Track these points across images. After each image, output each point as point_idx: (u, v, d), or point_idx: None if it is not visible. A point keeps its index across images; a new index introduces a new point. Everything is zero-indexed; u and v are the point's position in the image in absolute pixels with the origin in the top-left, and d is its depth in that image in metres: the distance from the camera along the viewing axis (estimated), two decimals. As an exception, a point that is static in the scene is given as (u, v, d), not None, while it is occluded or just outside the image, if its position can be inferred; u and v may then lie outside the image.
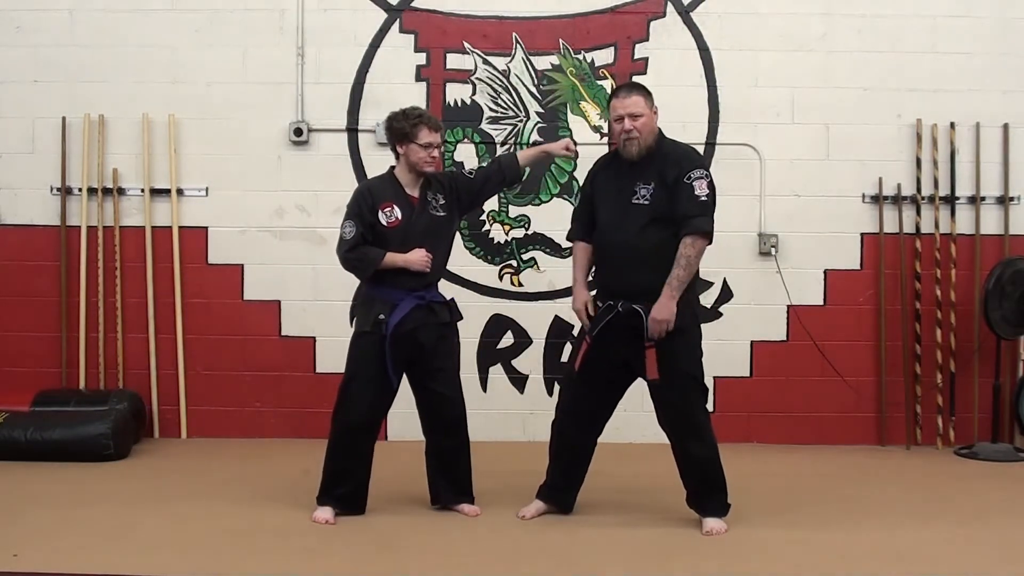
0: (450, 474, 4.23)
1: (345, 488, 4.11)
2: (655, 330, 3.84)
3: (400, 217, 4.08)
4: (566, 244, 5.58)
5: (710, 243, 3.93)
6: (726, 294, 5.59)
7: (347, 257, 4.07)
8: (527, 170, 5.36)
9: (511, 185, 4.71)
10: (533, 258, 5.64)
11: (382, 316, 4.03)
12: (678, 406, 3.98)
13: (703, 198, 3.86)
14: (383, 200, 4.09)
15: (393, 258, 4.03)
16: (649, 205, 3.89)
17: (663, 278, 3.85)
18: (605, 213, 4.03)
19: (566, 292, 5.43)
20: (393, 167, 4.22)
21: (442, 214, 4.18)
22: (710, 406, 5.39)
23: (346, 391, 4.12)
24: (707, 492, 4.02)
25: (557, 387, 5.59)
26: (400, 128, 4.10)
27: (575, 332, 4.32)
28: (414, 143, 4.08)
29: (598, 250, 4.09)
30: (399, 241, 4.06)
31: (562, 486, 4.19)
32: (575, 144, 4.41)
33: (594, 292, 4.15)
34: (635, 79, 5.53)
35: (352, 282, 4.18)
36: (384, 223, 4.06)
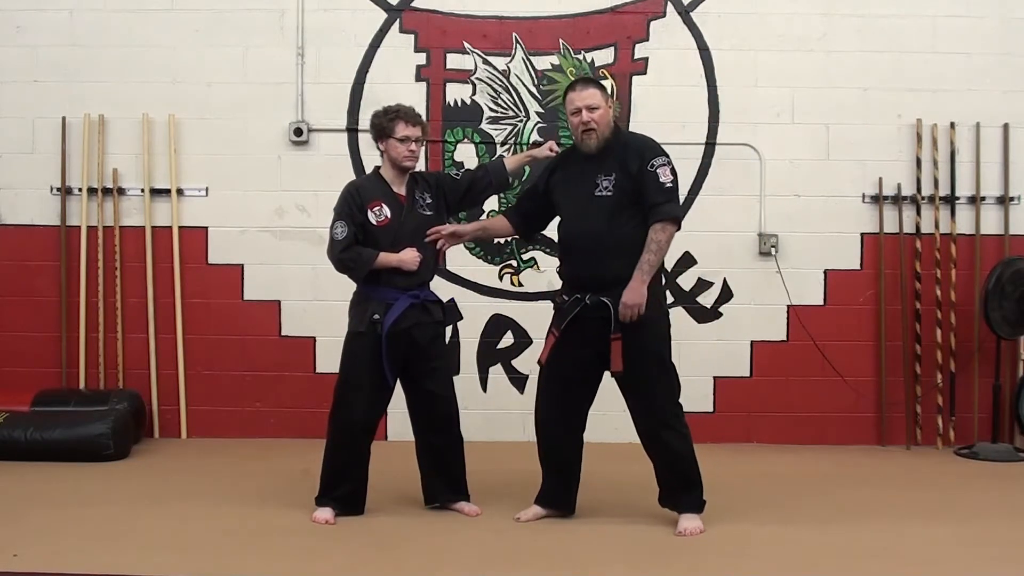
0: (444, 472, 4.23)
1: (344, 488, 4.11)
2: (625, 315, 3.82)
3: (389, 216, 4.08)
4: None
5: (679, 228, 3.95)
6: (726, 294, 5.59)
7: (341, 258, 4.05)
8: (527, 170, 5.41)
9: (499, 191, 4.71)
10: (533, 258, 5.64)
11: (376, 316, 4.02)
12: (647, 396, 3.95)
13: (668, 184, 3.89)
14: (371, 199, 4.09)
15: (387, 258, 4.03)
16: (612, 196, 3.91)
17: (630, 267, 3.84)
18: (568, 207, 4.04)
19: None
20: (379, 167, 4.22)
21: (429, 213, 4.17)
22: (710, 406, 5.36)
23: (342, 392, 4.11)
24: (682, 487, 3.99)
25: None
26: (378, 124, 4.11)
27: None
28: (392, 138, 4.08)
29: (563, 243, 4.08)
30: (389, 240, 4.06)
31: (559, 489, 4.15)
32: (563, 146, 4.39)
33: (559, 286, 4.16)
34: (635, 79, 5.56)
35: (352, 282, 4.17)
36: (373, 222, 4.06)
